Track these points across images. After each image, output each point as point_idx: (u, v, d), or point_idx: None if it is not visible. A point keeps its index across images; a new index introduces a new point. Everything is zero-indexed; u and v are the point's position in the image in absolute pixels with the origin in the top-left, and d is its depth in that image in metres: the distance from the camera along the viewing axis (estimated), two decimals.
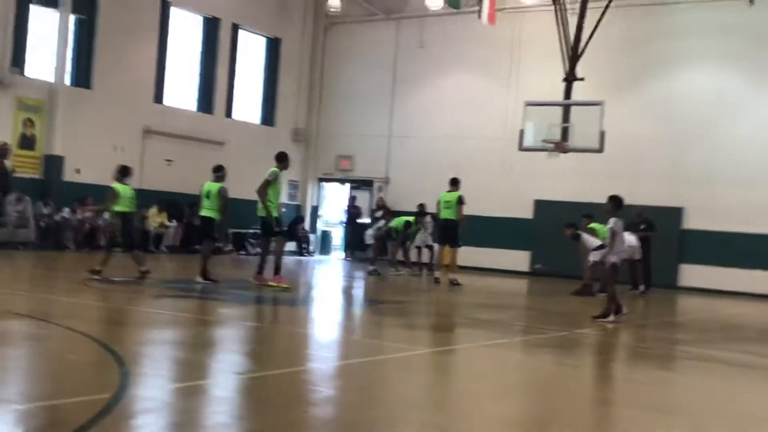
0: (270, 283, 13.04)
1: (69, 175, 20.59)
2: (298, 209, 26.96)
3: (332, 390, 6.38)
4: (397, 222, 19.55)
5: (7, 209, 18.67)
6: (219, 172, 14.06)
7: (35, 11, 20.08)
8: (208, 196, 13.79)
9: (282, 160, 13.61)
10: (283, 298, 12.00)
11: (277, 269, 13.10)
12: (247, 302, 11.98)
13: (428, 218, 19.90)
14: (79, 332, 7.66)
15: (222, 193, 13.69)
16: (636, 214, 18.16)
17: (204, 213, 13.82)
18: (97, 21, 21.23)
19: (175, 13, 23.30)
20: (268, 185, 13.03)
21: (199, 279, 13.37)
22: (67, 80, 20.75)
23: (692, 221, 21.30)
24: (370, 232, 20.62)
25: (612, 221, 11.87)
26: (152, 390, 5.73)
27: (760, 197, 20.42)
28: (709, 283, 20.67)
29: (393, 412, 5.70)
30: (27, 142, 19.94)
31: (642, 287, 17.99)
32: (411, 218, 19.52)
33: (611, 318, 11.63)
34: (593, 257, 16.35)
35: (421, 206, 19.98)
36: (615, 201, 11.91)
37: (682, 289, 20.82)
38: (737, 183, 20.73)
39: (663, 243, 19.29)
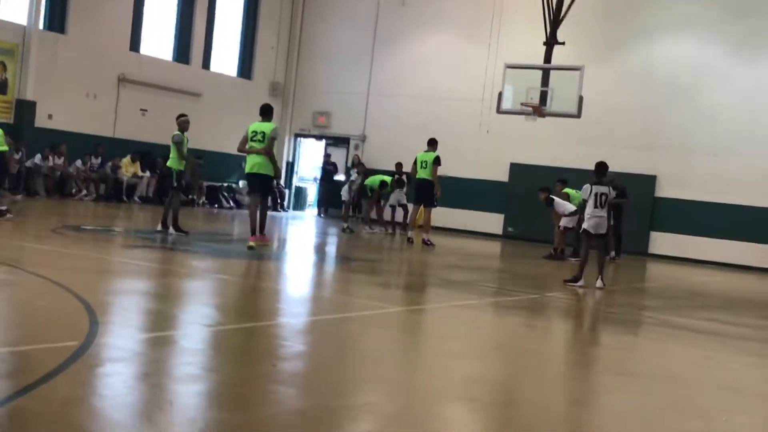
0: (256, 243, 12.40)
1: (41, 121, 20.29)
2: None
3: (302, 345, 6.39)
4: (372, 180, 19.52)
5: None
6: (177, 119, 13.88)
7: None
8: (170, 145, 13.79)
9: (270, 113, 12.77)
10: (254, 253, 11.96)
11: (262, 227, 12.57)
12: (218, 255, 11.94)
13: (403, 178, 19.84)
14: (49, 279, 7.59)
15: (173, 140, 13.61)
16: (608, 180, 18.22)
17: (168, 163, 13.81)
18: None
19: None
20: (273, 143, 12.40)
21: (171, 230, 13.32)
22: (41, 24, 20.35)
23: (665, 189, 21.46)
24: (345, 189, 20.55)
25: (584, 188, 11.95)
26: (121, 339, 5.71)
27: (733, 168, 20.59)
28: (679, 252, 20.93)
29: (363, 368, 5.73)
30: None
31: (612, 253, 18.14)
32: (387, 178, 19.49)
33: (581, 282, 11.71)
34: (565, 222, 16.48)
35: (399, 165, 19.93)
36: (596, 167, 11.99)
37: (652, 257, 21.04)
38: (712, 153, 20.87)
39: (635, 210, 19.43)
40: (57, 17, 20.80)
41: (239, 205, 23.70)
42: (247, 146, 12.39)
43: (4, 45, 19.56)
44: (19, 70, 19.83)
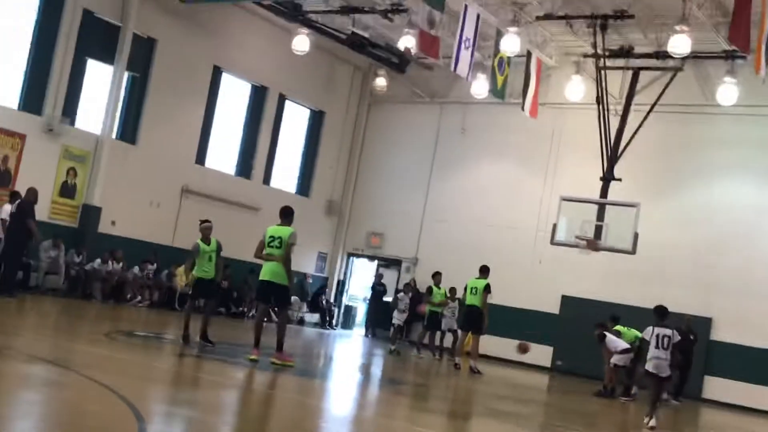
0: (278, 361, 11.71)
1: (104, 227, 20.86)
2: (326, 281, 26.98)
3: None
4: (433, 307, 19.40)
5: (41, 255, 18.92)
6: (200, 225, 13.52)
7: (92, 65, 20.69)
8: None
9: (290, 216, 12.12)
10: (300, 370, 11.92)
11: (280, 344, 11.80)
12: (266, 369, 11.92)
13: (450, 303, 19.92)
14: (100, 383, 7.67)
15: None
16: (685, 326, 18.08)
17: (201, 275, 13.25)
18: (149, 79, 21.79)
19: (226, 78, 23.87)
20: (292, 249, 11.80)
21: (197, 339, 12.86)
22: (114, 134, 21.20)
23: (721, 333, 20.95)
24: (396, 312, 20.53)
25: (646, 330, 12.10)
26: None
27: None
28: (734, 398, 20.19)
29: None
30: (68, 191, 20.29)
31: (665, 395, 17.66)
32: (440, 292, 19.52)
33: (652, 423, 11.54)
34: (616, 360, 16.17)
35: (452, 290, 19.94)
36: (656, 310, 12.22)
37: (706, 401, 20.36)
38: None
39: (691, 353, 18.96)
40: (130, 128, 21.66)
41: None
42: (264, 252, 11.66)
43: (78, 152, 20.37)
44: (89, 176, 20.57)
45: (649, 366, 11.89)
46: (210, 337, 12.97)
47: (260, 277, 11.91)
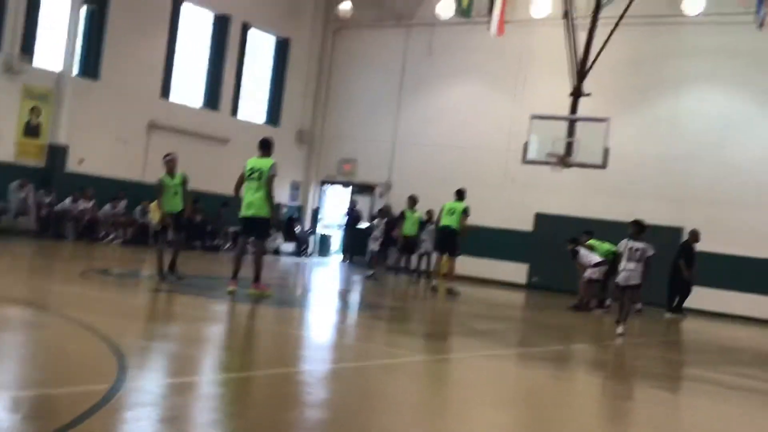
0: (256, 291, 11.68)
1: (72, 165, 20.60)
2: (300, 211, 26.99)
3: (326, 393, 6.38)
4: (410, 229, 19.46)
5: (9, 196, 18.70)
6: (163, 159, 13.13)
7: (47, 0, 20.11)
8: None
9: (269, 147, 11.85)
10: (277, 299, 11.98)
11: (258, 275, 11.71)
12: (244, 301, 11.96)
13: (428, 226, 20.03)
14: (78, 322, 7.66)
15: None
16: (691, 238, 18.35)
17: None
18: (107, 12, 21.26)
19: (186, 8, 23.34)
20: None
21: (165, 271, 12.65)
22: (75, 70, 20.76)
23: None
24: (371, 239, 20.64)
25: (620, 243, 12.44)
26: (149, 383, 5.74)
27: (763, 220, 20.41)
28: (705, 305, 20.62)
29: (388, 417, 5.70)
30: (32, 131, 19.95)
31: (639, 305, 17.97)
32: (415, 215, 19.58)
33: (620, 331, 11.99)
34: (590, 274, 16.40)
35: (429, 213, 20.00)
36: (632, 224, 12.40)
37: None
38: (740, 205, 20.71)
39: (661, 262, 19.25)
40: (91, 64, 21.22)
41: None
42: (244, 185, 11.51)
43: (40, 90, 19.95)
44: (53, 114, 20.20)
45: (619, 278, 12.28)
46: (179, 272, 12.83)
47: (241, 214, 11.74)
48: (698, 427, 6.63)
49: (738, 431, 6.67)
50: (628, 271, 12.10)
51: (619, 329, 12.05)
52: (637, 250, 12.10)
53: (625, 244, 12.23)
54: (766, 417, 7.45)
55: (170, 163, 12.99)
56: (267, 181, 11.41)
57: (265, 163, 11.53)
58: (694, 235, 18.30)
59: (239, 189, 11.70)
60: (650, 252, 12.12)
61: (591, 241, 17.04)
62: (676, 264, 18.11)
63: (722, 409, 7.70)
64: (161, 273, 12.58)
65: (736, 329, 17.74)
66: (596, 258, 16.40)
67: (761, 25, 18.87)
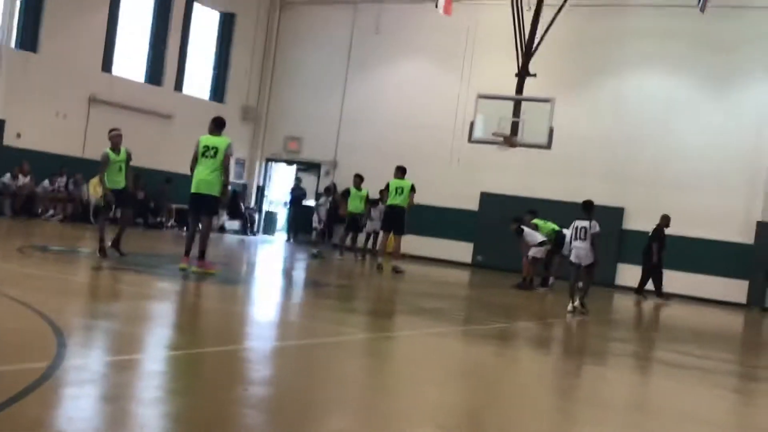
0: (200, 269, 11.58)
1: (9, 140, 20.06)
2: (245, 188, 26.74)
3: (270, 370, 6.34)
4: (355, 206, 19.37)
5: None
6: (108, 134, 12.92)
7: None
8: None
9: (223, 126, 11.94)
10: (222, 277, 11.87)
11: (203, 253, 11.64)
12: (187, 279, 11.83)
13: (379, 205, 20.00)
14: (16, 300, 7.48)
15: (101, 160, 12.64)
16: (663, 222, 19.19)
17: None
18: None
19: None
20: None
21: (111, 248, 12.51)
22: (13, 43, 20.19)
23: (632, 222, 21.68)
24: (315, 216, 20.53)
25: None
26: (89, 361, 5.63)
27: (700, 202, 20.85)
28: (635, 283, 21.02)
29: (333, 394, 5.69)
30: None
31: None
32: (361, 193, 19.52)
33: (570, 308, 12.46)
34: (534, 252, 16.59)
35: (381, 193, 19.96)
36: (582, 204, 12.89)
37: (619, 288, 21.17)
38: (679, 186, 21.14)
39: (602, 242, 19.53)
40: (29, 36, 20.65)
41: None
42: (198, 163, 11.46)
43: None
44: None
45: (572, 256, 12.82)
46: (123, 249, 12.66)
47: (192, 190, 11.66)
48: (638, 401, 6.76)
49: (672, 403, 6.82)
50: (578, 249, 12.61)
51: (570, 306, 12.48)
52: (582, 228, 12.58)
53: (573, 224, 12.76)
54: (697, 391, 7.63)
55: (116, 138, 12.78)
56: (224, 159, 11.47)
57: (221, 141, 11.57)
58: (666, 220, 19.02)
59: (195, 167, 11.64)
60: (595, 229, 12.50)
61: (535, 220, 17.23)
62: (648, 248, 18.80)
63: (660, 383, 7.85)
64: (102, 250, 12.35)
65: (672, 307, 18.11)
66: (540, 237, 16.58)
67: (703, 8, 19.20)
